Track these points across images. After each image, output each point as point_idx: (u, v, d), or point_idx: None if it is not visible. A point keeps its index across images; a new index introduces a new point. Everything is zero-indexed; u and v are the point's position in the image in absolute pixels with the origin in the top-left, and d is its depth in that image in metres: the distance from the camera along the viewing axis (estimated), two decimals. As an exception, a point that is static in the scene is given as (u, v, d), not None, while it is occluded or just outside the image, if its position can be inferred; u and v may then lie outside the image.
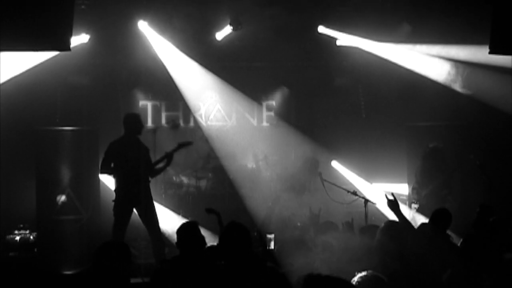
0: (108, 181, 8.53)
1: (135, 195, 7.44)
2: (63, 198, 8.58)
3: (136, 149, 7.55)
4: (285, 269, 4.92)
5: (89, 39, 9.36)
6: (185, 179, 10.49)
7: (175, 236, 4.90)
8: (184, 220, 6.65)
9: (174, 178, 10.42)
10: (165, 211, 9.31)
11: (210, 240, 6.07)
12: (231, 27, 9.73)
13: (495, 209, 6.08)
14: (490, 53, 5.61)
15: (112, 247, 4.37)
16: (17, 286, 6.88)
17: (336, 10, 9.83)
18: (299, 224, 7.87)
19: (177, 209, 9.60)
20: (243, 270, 4.17)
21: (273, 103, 11.43)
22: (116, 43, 9.82)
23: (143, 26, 9.59)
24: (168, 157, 7.62)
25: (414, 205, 8.68)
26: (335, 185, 8.01)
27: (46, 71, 8.86)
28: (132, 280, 5.10)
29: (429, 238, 5.37)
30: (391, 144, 10.10)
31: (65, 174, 8.62)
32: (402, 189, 9.56)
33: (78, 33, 8.97)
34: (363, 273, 3.70)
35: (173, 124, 9.92)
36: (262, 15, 9.47)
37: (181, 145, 7.79)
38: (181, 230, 4.90)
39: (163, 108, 10.96)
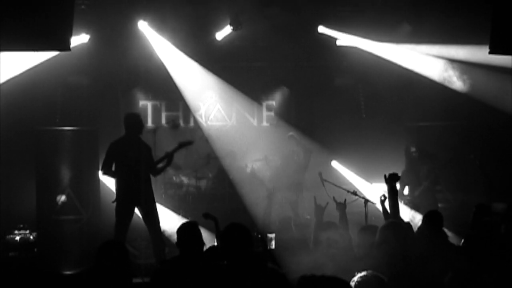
0: (108, 181, 8.54)
1: (137, 194, 7.43)
2: (63, 198, 8.59)
3: (137, 148, 7.53)
4: (286, 269, 4.91)
5: (89, 39, 9.36)
6: (185, 179, 10.48)
7: (175, 236, 4.89)
8: (184, 220, 6.65)
9: (174, 178, 10.41)
10: (165, 211, 9.30)
11: (210, 240, 6.08)
12: (231, 27, 9.74)
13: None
14: (490, 53, 5.61)
15: (112, 246, 4.37)
16: (17, 286, 6.87)
17: (336, 10, 9.84)
18: (308, 217, 7.83)
19: (177, 209, 9.59)
20: (244, 270, 4.17)
21: (273, 103, 11.44)
22: (116, 43, 9.82)
23: (143, 26, 9.59)
24: (169, 157, 7.62)
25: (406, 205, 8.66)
26: (335, 185, 8.00)
27: (46, 71, 8.86)
28: (132, 280, 5.11)
29: (428, 237, 5.37)
30: (391, 144, 10.09)
31: (65, 174, 8.63)
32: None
33: (78, 33, 8.97)
34: (363, 273, 3.69)
35: (173, 124, 9.93)
36: (262, 15, 9.49)
37: (181, 145, 7.78)
38: (181, 230, 4.90)
39: (163, 108, 10.96)
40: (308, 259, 4.98)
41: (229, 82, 10.73)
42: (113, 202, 7.48)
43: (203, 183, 10.52)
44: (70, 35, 4.97)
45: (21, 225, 8.76)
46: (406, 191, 9.10)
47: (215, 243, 6.01)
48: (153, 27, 9.66)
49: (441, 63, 9.65)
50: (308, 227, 7.33)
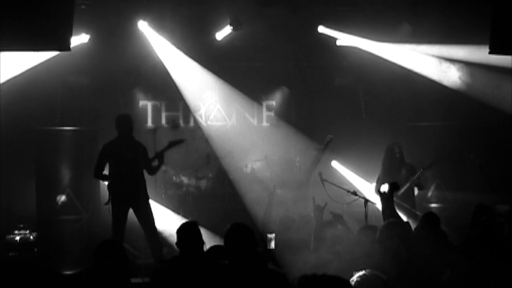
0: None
1: (131, 195, 7.40)
2: (63, 198, 8.59)
3: (130, 149, 7.48)
4: (287, 269, 4.91)
5: (89, 39, 9.35)
6: (185, 179, 10.47)
7: (175, 236, 4.89)
8: (184, 220, 6.65)
9: (174, 178, 10.40)
10: (165, 211, 9.30)
11: (210, 240, 6.07)
12: (231, 27, 9.74)
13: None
14: (490, 53, 5.62)
15: (109, 246, 4.37)
16: (17, 286, 6.87)
17: (336, 10, 9.84)
18: (312, 214, 7.83)
19: (177, 209, 9.58)
20: (244, 270, 4.17)
21: (273, 103, 11.43)
22: (116, 43, 9.82)
23: (143, 26, 9.60)
24: (159, 157, 7.57)
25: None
26: (335, 185, 8.00)
27: (46, 71, 8.85)
28: (132, 280, 5.11)
29: (427, 237, 5.37)
30: (391, 144, 10.08)
31: (65, 174, 8.64)
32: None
33: (78, 33, 8.96)
34: (362, 272, 3.69)
35: (173, 124, 9.93)
36: (262, 15, 9.49)
37: (172, 144, 7.69)
38: (181, 230, 4.89)
39: (163, 108, 10.95)
40: (312, 257, 4.98)
41: (229, 82, 10.72)
42: (105, 204, 7.45)
43: (203, 183, 10.51)
44: (70, 35, 4.98)
45: (21, 225, 8.78)
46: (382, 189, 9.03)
47: (215, 243, 6.01)
48: (153, 27, 9.66)
49: (443, 65, 9.65)
50: (308, 224, 7.32)
